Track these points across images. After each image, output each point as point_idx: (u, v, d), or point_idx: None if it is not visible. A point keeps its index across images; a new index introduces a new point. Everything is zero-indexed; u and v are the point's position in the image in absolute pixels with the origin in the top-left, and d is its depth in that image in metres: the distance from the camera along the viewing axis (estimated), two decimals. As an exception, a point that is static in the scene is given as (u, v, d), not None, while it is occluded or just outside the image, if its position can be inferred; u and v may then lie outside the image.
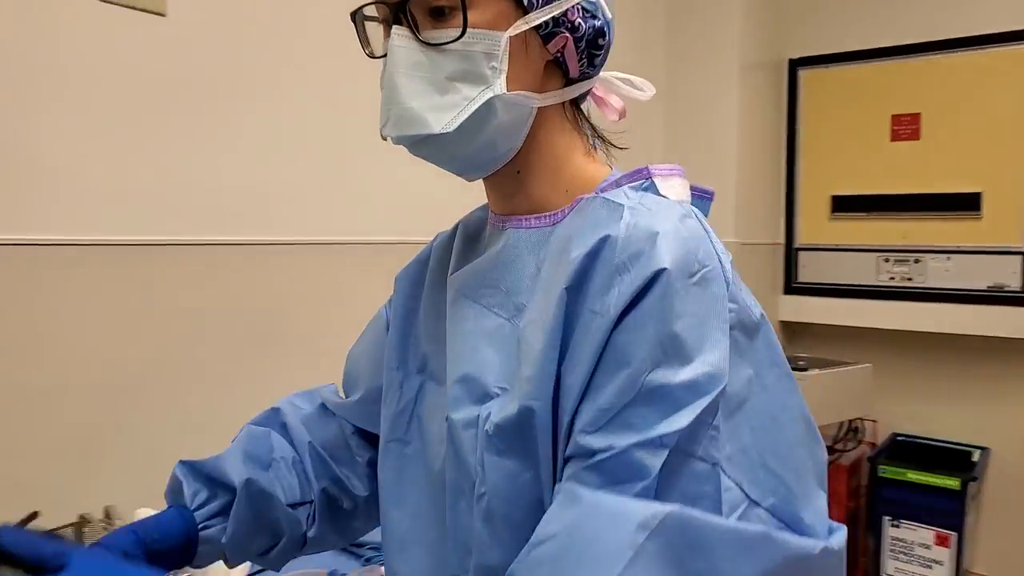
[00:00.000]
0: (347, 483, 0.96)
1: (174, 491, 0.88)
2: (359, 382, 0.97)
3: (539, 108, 0.77)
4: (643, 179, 0.76)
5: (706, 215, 0.76)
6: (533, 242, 0.78)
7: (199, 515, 0.87)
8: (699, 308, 0.65)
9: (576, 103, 0.82)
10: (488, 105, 0.72)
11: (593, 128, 0.84)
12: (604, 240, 0.68)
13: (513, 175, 0.79)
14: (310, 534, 0.93)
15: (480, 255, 0.82)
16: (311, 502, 0.94)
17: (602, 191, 0.75)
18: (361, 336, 1.01)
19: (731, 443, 0.65)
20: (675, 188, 0.76)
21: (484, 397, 0.73)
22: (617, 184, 0.76)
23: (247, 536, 0.88)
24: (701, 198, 0.79)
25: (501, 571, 0.67)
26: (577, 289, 0.68)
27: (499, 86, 0.72)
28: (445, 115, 0.72)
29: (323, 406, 0.99)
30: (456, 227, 0.92)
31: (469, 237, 0.88)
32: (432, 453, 0.82)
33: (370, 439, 0.96)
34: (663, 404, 0.63)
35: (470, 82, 0.72)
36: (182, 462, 0.90)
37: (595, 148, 0.84)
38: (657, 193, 0.74)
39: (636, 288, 0.65)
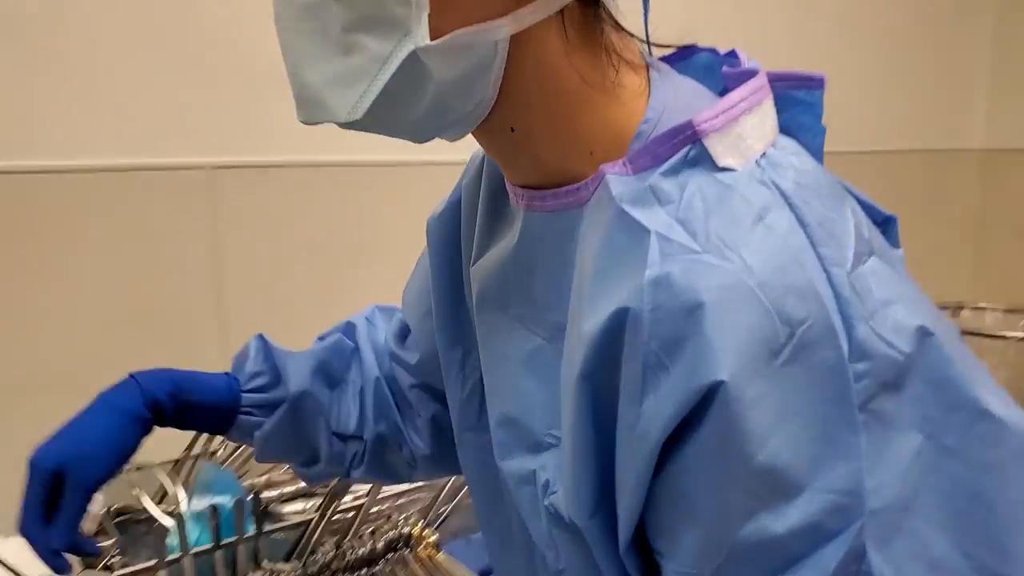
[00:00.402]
0: (406, 435, 0.86)
1: (238, 360, 0.83)
2: (415, 340, 0.84)
3: (519, 33, 0.51)
4: (686, 143, 0.50)
5: (817, 118, 0.55)
6: (558, 231, 0.56)
7: (246, 399, 0.80)
8: (798, 405, 0.44)
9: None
10: (411, 63, 0.49)
11: (619, 27, 0.56)
12: (622, 317, 0.47)
13: (505, 134, 0.56)
14: (354, 474, 0.86)
15: (501, 235, 0.64)
16: (362, 439, 0.85)
17: (632, 162, 0.51)
18: (410, 281, 0.87)
19: (909, 568, 0.46)
20: (743, 140, 0.51)
21: (536, 447, 0.59)
22: (649, 154, 0.51)
23: (281, 445, 0.82)
24: (800, 102, 0.55)
25: None
26: (595, 377, 0.49)
27: (420, 33, 0.48)
28: (350, 93, 0.51)
29: (401, 331, 0.87)
30: (482, 161, 0.70)
31: (494, 192, 0.67)
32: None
33: (436, 394, 0.85)
34: (772, 562, 0.45)
35: (377, 32, 0.49)
36: (260, 337, 0.83)
37: (644, 65, 0.57)
38: (711, 164, 0.50)
39: (681, 407, 0.45)
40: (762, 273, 0.45)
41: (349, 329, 0.89)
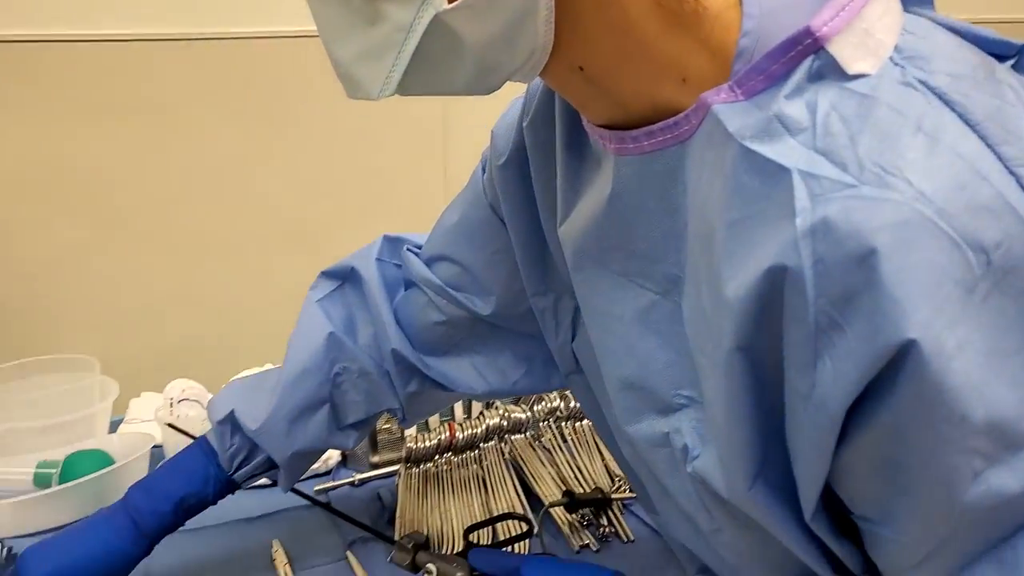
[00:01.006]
0: (445, 383, 0.85)
1: (214, 436, 0.85)
2: (481, 283, 0.79)
3: None
4: (807, 53, 0.42)
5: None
6: (657, 174, 0.50)
7: (239, 476, 0.84)
8: (1012, 342, 0.38)
9: None
10: (437, 29, 0.44)
11: None
12: (777, 276, 0.40)
13: (574, 74, 0.50)
14: (404, 426, 0.91)
15: (588, 184, 0.57)
16: (384, 410, 0.88)
17: (741, 85, 0.44)
18: (452, 210, 0.81)
19: None
20: (871, 36, 0.42)
21: (665, 408, 0.54)
22: (761, 73, 0.43)
23: (294, 479, 0.89)
24: None
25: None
26: (751, 347, 0.44)
27: None
28: (379, 67, 0.46)
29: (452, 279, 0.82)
30: (548, 98, 0.63)
31: (571, 136, 0.60)
32: (608, 412, 0.68)
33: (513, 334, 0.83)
34: (1014, 519, 0.41)
35: None
36: (220, 422, 0.83)
37: None
38: (840, 74, 0.42)
39: (865, 371, 0.39)
40: (938, 196, 0.37)
41: (354, 282, 0.87)
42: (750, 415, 0.45)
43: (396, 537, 0.95)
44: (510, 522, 0.97)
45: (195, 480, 0.83)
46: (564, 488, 1.02)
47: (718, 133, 0.44)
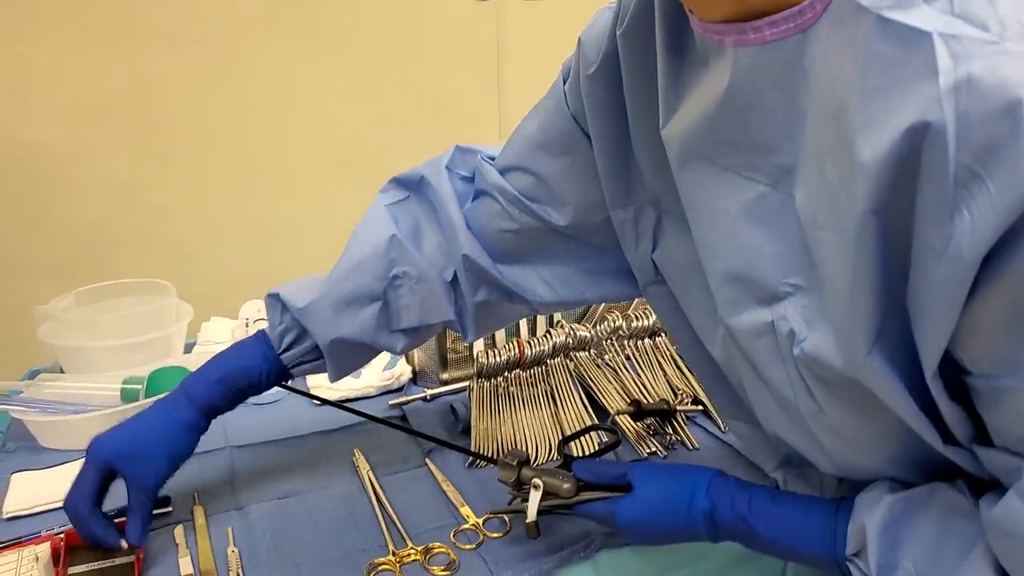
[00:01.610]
0: (515, 290, 0.86)
1: (268, 327, 0.88)
2: (556, 194, 0.80)
3: None
4: None
5: None
6: (778, 63, 0.51)
7: (286, 358, 0.86)
8: None
9: None
10: None
11: None
12: (917, 134, 0.42)
13: None
14: (468, 338, 0.91)
15: (694, 85, 0.58)
16: (439, 323, 0.88)
17: None
18: (530, 120, 0.82)
19: None
20: None
21: (771, 298, 0.56)
22: None
23: (342, 371, 0.90)
24: None
25: (866, 468, 0.61)
26: (886, 208, 0.45)
27: None
28: None
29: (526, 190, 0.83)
30: (641, 7, 0.64)
31: (674, 39, 0.60)
32: (694, 317, 0.70)
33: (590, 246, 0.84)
34: None
35: None
36: (270, 295, 0.87)
37: None
38: None
39: (1005, 219, 0.40)
40: None
41: (420, 193, 0.89)
42: (876, 279, 0.47)
43: (472, 447, 0.99)
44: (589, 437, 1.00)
45: (245, 357, 0.86)
46: (629, 400, 1.05)
47: (847, 10, 0.45)
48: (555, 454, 0.99)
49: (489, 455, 0.99)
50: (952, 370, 0.49)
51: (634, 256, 0.77)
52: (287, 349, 0.87)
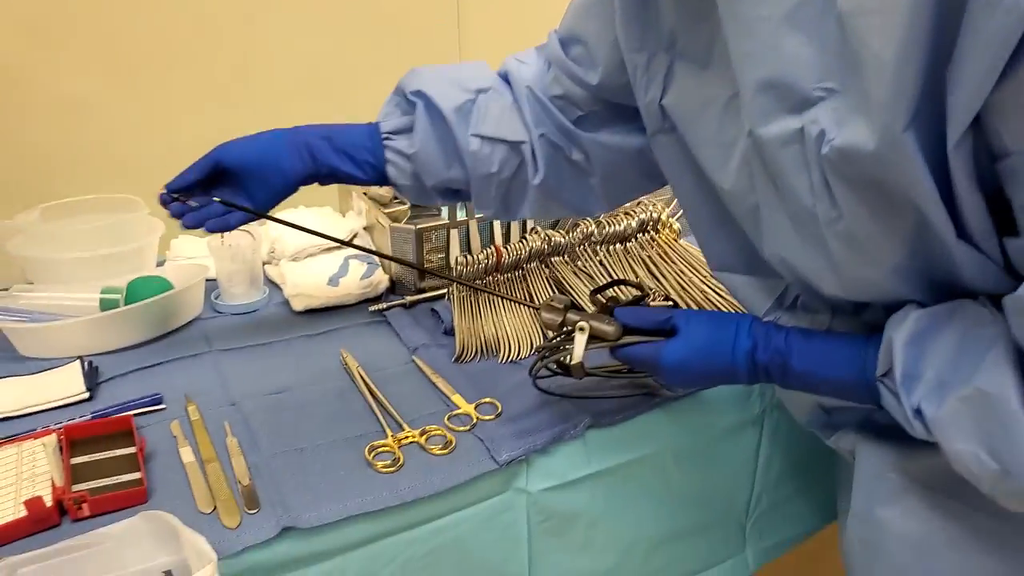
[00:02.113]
0: (578, 139, 0.89)
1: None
2: (592, 55, 0.84)
3: None
4: None
5: None
6: None
7: (384, 126, 0.91)
8: None
9: None
10: None
11: None
12: None
13: None
14: (534, 181, 0.90)
15: None
16: (520, 143, 0.89)
17: None
18: None
19: None
20: None
21: (803, 104, 0.58)
22: None
23: (432, 158, 0.90)
24: None
25: (872, 280, 0.63)
26: None
27: None
28: None
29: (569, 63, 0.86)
30: None
31: None
32: (705, 153, 0.73)
33: (614, 112, 0.87)
34: None
35: None
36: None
37: None
38: None
39: None
40: None
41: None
42: (925, 46, 0.49)
43: (456, 349, 1.02)
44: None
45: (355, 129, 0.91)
46: (606, 299, 1.09)
47: None
48: (534, 351, 1.02)
49: (474, 352, 1.02)
50: (978, 161, 0.52)
51: (643, 102, 0.79)
52: (386, 116, 0.91)
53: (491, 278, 1.12)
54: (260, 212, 0.88)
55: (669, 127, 0.77)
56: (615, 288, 1.10)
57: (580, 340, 0.79)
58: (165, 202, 0.87)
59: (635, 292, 0.99)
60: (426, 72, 0.91)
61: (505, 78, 0.92)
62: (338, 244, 1.22)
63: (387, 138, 0.90)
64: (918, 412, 0.60)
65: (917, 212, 0.56)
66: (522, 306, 1.09)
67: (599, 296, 0.88)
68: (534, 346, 1.03)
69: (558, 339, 0.85)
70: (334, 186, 1.32)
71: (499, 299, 1.10)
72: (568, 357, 0.80)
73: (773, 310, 0.78)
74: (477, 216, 1.17)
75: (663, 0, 0.72)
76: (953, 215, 0.55)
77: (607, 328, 0.78)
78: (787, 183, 0.62)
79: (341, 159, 0.89)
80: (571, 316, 0.81)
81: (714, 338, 0.74)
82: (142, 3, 1.63)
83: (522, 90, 0.89)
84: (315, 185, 0.92)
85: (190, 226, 0.87)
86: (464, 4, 1.88)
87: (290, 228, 0.86)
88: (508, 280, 1.13)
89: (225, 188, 0.88)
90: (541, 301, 0.83)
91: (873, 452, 0.74)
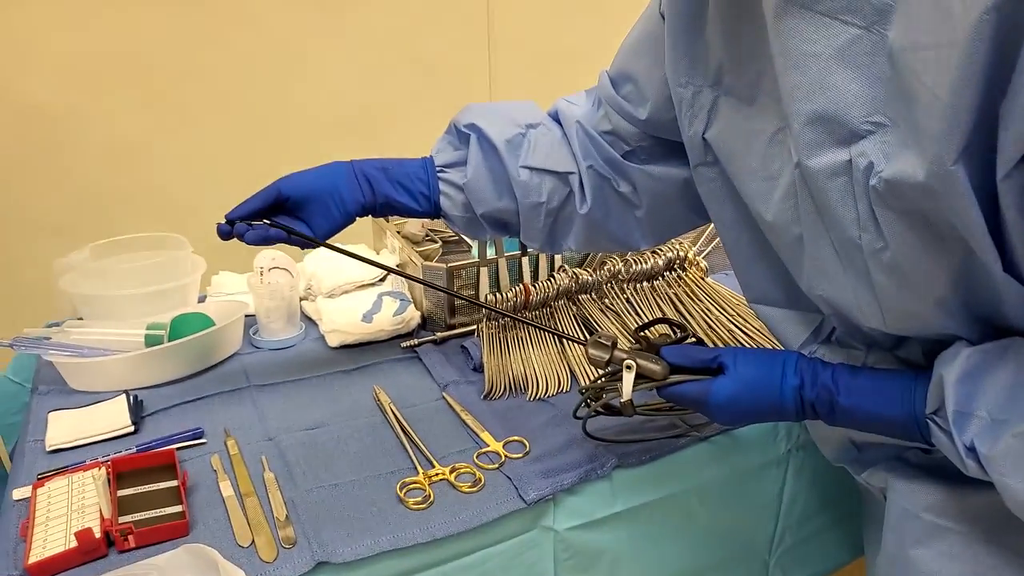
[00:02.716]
0: (626, 171, 0.92)
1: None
2: (642, 91, 0.87)
3: None
4: None
5: None
6: None
7: (438, 159, 0.94)
8: None
9: None
10: None
11: None
12: None
13: None
14: (581, 210, 0.93)
15: None
16: (568, 173, 0.92)
17: None
18: (633, 29, 0.89)
19: None
20: None
21: (851, 137, 0.59)
22: None
23: (484, 187, 0.93)
24: None
25: (915, 313, 0.64)
26: (1006, 6, 0.47)
27: None
28: None
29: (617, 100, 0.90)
30: None
31: None
32: (749, 185, 0.74)
33: (662, 149, 0.90)
34: None
35: None
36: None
37: None
38: None
39: None
40: None
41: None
42: (981, 79, 0.49)
43: (485, 386, 1.05)
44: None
45: (407, 163, 0.94)
46: (635, 338, 1.11)
47: None
48: (564, 388, 1.05)
49: (503, 389, 1.05)
50: None
51: (687, 135, 0.81)
52: (439, 151, 0.95)
53: (519, 315, 1.15)
54: (318, 241, 0.90)
55: (711, 160, 0.79)
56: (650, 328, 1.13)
57: (628, 379, 0.80)
58: (224, 233, 0.88)
59: (678, 331, 1.00)
60: (478, 108, 0.96)
61: (555, 116, 0.96)
62: (373, 282, 1.25)
63: (441, 171, 0.94)
64: (971, 450, 0.61)
65: (964, 244, 0.57)
66: (550, 344, 1.12)
67: (643, 334, 0.89)
68: (561, 384, 1.06)
69: (601, 379, 0.87)
70: (368, 224, 1.36)
71: (527, 337, 1.13)
72: (615, 395, 0.82)
73: (809, 343, 0.80)
74: (507, 254, 1.20)
75: (713, 37, 0.74)
76: (1000, 248, 0.56)
77: (654, 367, 0.79)
78: (833, 214, 0.63)
79: (397, 190, 0.92)
80: (618, 354, 0.81)
81: (762, 376, 0.75)
82: (191, 51, 1.70)
83: (572, 125, 0.93)
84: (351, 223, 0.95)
85: (252, 242, 0.88)
86: (495, 49, 1.93)
87: (337, 259, 0.89)
88: (536, 318, 1.16)
89: (284, 218, 0.91)
90: (589, 337, 0.85)
91: (905, 492, 0.75)
